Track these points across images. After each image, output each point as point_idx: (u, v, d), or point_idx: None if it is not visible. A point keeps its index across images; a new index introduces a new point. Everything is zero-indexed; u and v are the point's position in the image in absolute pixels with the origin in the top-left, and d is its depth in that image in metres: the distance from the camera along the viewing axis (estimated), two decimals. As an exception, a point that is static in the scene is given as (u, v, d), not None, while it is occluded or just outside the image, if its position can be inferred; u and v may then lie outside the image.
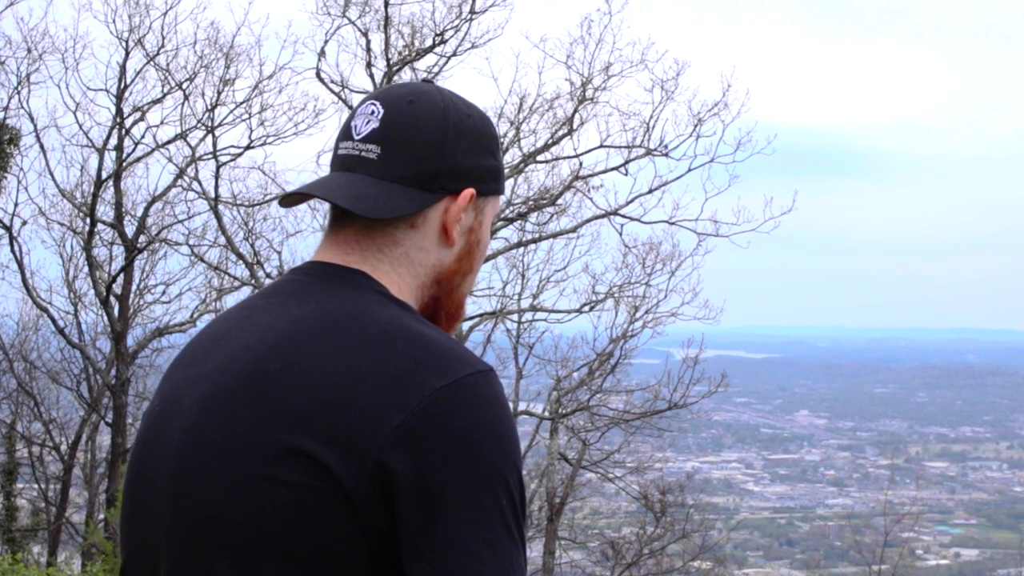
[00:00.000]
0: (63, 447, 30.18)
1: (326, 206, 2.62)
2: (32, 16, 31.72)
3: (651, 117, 23.55)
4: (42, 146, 25.71)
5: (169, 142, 25.80)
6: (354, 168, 2.40)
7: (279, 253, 24.48)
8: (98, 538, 23.61)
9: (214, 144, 24.51)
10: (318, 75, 23.29)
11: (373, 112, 2.41)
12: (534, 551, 28.09)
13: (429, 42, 23.40)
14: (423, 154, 2.38)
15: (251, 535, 2.15)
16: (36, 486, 31.71)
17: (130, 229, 26.42)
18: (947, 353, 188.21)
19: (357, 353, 2.20)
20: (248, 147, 24.81)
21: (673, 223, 24.13)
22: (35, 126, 25.30)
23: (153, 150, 26.08)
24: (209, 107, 24.91)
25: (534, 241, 25.56)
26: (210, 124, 24.83)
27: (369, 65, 23.30)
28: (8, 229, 25.86)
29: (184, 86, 25.13)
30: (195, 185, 25.11)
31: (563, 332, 28.20)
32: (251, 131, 24.67)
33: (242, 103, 24.99)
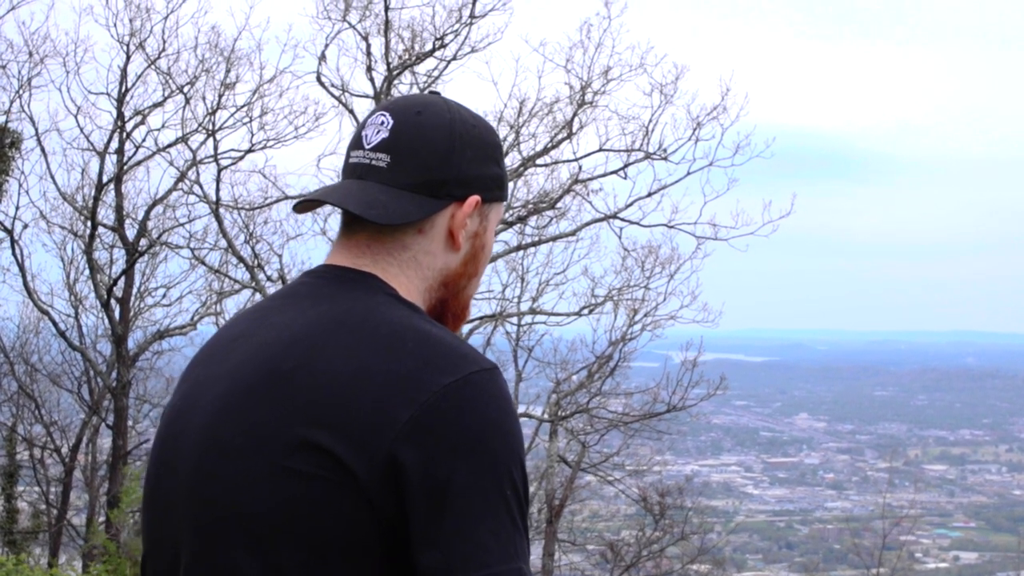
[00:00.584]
0: (64, 449, 30.24)
1: (326, 210, 2.73)
2: (33, 20, 31.79)
3: (650, 121, 23.61)
4: (43, 149, 25.75)
5: (170, 145, 25.84)
6: (365, 176, 2.52)
7: (280, 256, 24.51)
8: (101, 539, 23.70)
9: (215, 147, 24.57)
10: (319, 79, 23.36)
11: (383, 122, 2.53)
12: (533, 553, 28.17)
13: (429, 46, 23.46)
14: (431, 163, 2.50)
15: (269, 525, 2.26)
16: (37, 488, 31.78)
17: (131, 232, 26.48)
18: (946, 356, 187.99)
19: (368, 352, 2.31)
20: (249, 150, 24.85)
21: (672, 226, 24.22)
22: (36, 130, 25.34)
23: (154, 153, 26.12)
24: (210, 111, 24.96)
25: (534, 244, 25.61)
26: (211, 127, 24.88)
27: (369, 69, 23.36)
28: (9, 232, 25.87)
29: (185, 90, 25.18)
30: (196, 188, 25.15)
31: (562, 335, 28.28)
32: (252, 135, 24.73)
33: (243, 107, 25.05)
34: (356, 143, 2.57)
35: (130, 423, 28.16)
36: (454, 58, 23.64)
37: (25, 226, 26.60)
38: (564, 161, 24.48)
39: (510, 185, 23.83)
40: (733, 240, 24.11)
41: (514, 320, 27.88)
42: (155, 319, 30.29)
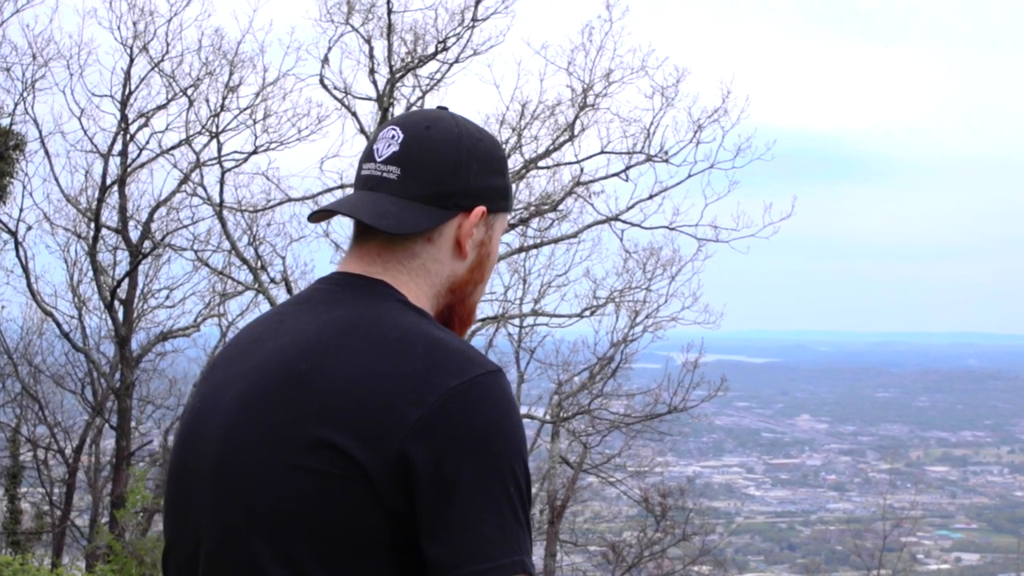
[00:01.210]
0: (67, 451, 30.29)
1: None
2: (37, 22, 31.83)
3: (651, 123, 23.66)
4: (47, 152, 25.75)
5: (173, 147, 25.87)
6: (376, 188, 2.67)
7: (283, 258, 24.58)
8: (107, 539, 23.77)
9: (219, 150, 24.63)
10: (321, 82, 23.43)
11: (393, 136, 2.68)
12: (535, 554, 28.23)
13: (432, 49, 23.53)
14: (439, 175, 2.65)
15: (286, 518, 2.40)
16: (41, 489, 31.82)
17: (134, 234, 26.55)
18: (948, 357, 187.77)
19: (380, 355, 2.45)
20: (253, 153, 24.92)
21: (673, 228, 24.28)
22: (40, 132, 25.38)
23: (157, 156, 26.15)
24: (213, 113, 25.03)
25: (536, 246, 25.68)
26: (214, 130, 24.95)
27: (372, 72, 23.44)
28: (13, 234, 25.91)
29: (188, 92, 25.24)
30: (199, 191, 25.21)
31: (564, 336, 28.32)
32: (256, 137, 24.79)
33: (246, 109, 25.10)
34: (368, 156, 2.72)
35: (133, 424, 28.22)
36: (456, 60, 23.74)
37: (29, 228, 26.62)
38: (566, 163, 24.56)
39: (512, 187, 24.15)
40: (734, 242, 24.19)
41: (516, 322, 27.93)
42: (158, 320, 30.38)
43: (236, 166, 24.75)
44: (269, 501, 2.42)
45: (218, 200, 23.85)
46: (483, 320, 25.80)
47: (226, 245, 25.09)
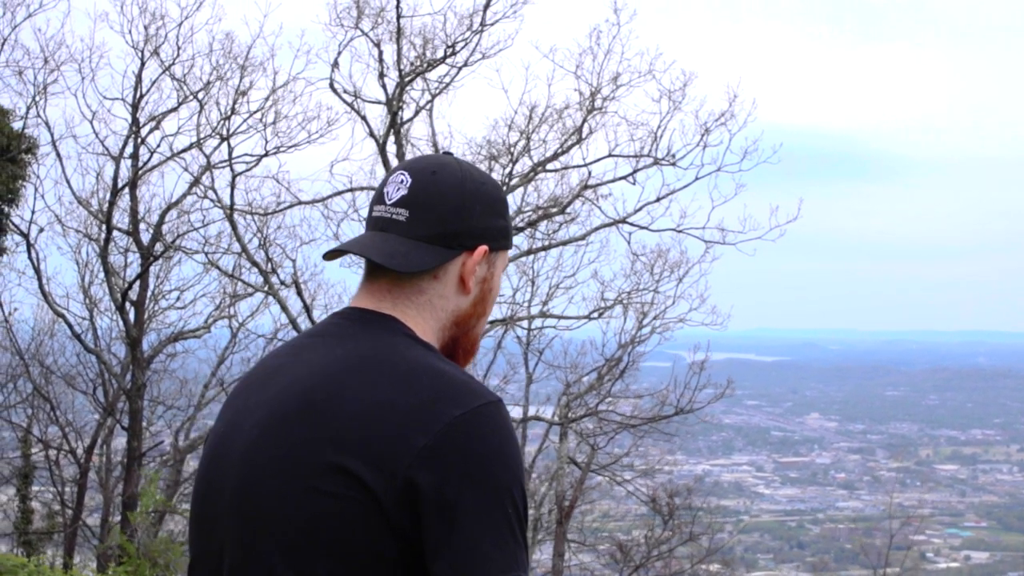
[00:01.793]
0: (79, 451, 30.43)
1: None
2: (49, 26, 31.91)
3: (659, 127, 23.77)
4: (59, 154, 25.80)
5: (184, 150, 25.93)
6: (386, 228, 2.88)
7: (293, 261, 24.70)
8: (120, 540, 23.91)
9: (229, 153, 24.70)
10: (331, 86, 23.55)
11: (402, 181, 2.89)
12: (544, 553, 28.39)
13: (440, 53, 23.67)
14: (445, 217, 2.86)
15: (302, 537, 2.61)
16: (52, 489, 31.99)
17: (145, 236, 26.66)
18: (958, 356, 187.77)
19: (389, 387, 2.65)
20: (264, 155, 25.03)
21: (680, 231, 24.37)
22: (52, 135, 25.46)
23: (168, 158, 26.18)
24: (224, 116, 25.15)
25: (544, 249, 25.78)
26: (225, 133, 25.07)
27: (382, 75, 23.59)
28: (25, 236, 25.96)
29: (199, 96, 25.36)
30: (210, 193, 25.33)
31: (572, 338, 28.44)
32: (266, 141, 24.91)
33: (256, 112, 25.20)
34: (379, 199, 2.93)
35: (144, 424, 28.35)
36: (465, 64, 23.88)
37: (41, 230, 26.72)
38: (574, 166, 24.67)
39: (520, 190, 24.08)
40: (741, 244, 24.27)
41: (525, 323, 28.06)
42: (169, 321, 30.56)
43: (247, 170, 24.85)
44: (287, 520, 2.62)
45: (229, 203, 23.96)
46: (492, 322, 25.93)
47: (236, 248, 25.26)
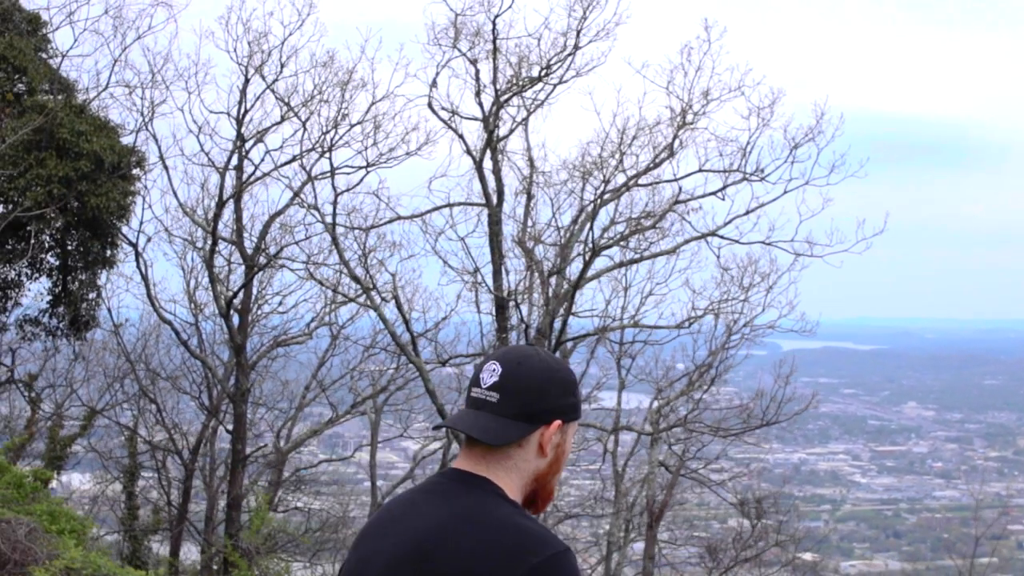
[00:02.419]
0: (185, 453, 31.14)
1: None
2: (157, 43, 32.73)
3: (748, 143, 24.13)
4: (165, 166, 26.69)
5: (286, 163, 26.70)
6: (481, 407, 3.73)
7: (393, 275, 25.16)
8: (226, 542, 24.85)
9: (331, 168, 25.25)
10: (430, 105, 24.12)
11: (494, 370, 3.73)
12: (636, 555, 28.90)
13: (536, 71, 24.18)
14: (527, 399, 3.71)
15: None
16: (159, 487, 32.78)
17: (249, 245, 27.36)
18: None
19: (483, 538, 3.50)
20: (364, 167, 25.44)
21: (769, 244, 24.52)
22: (159, 148, 26.33)
23: (271, 171, 27.02)
24: (325, 130, 25.75)
25: (634, 261, 26.09)
26: (325, 146, 25.62)
27: (478, 93, 24.13)
28: (134, 246, 26.74)
29: (300, 112, 26.06)
30: (312, 210, 25.91)
31: (663, 345, 28.68)
32: (366, 150, 25.50)
33: (355, 125, 25.78)
34: (475, 381, 3.77)
35: (248, 427, 29.06)
36: (560, 81, 24.39)
37: (148, 239, 27.56)
38: (665, 181, 25.07)
39: (613, 203, 24.49)
40: (828, 257, 24.45)
41: (616, 333, 28.40)
42: (272, 325, 31.31)
43: (349, 189, 25.48)
44: None
45: (331, 220, 24.55)
46: (585, 335, 26.46)
47: (335, 258, 25.83)
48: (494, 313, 24.84)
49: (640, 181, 24.93)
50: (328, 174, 25.41)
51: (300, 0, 25.83)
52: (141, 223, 26.86)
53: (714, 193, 24.37)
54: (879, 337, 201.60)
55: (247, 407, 28.49)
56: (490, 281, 24.73)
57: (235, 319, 27.73)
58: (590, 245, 24.56)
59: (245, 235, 27.45)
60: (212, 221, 26.84)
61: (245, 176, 26.89)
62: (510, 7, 23.59)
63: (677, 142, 24.34)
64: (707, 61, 24.09)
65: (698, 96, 24.16)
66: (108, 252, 24.99)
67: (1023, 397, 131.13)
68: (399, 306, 24.51)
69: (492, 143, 24.18)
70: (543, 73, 24.12)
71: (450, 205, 24.99)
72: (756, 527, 28.23)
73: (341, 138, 25.71)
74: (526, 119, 24.86)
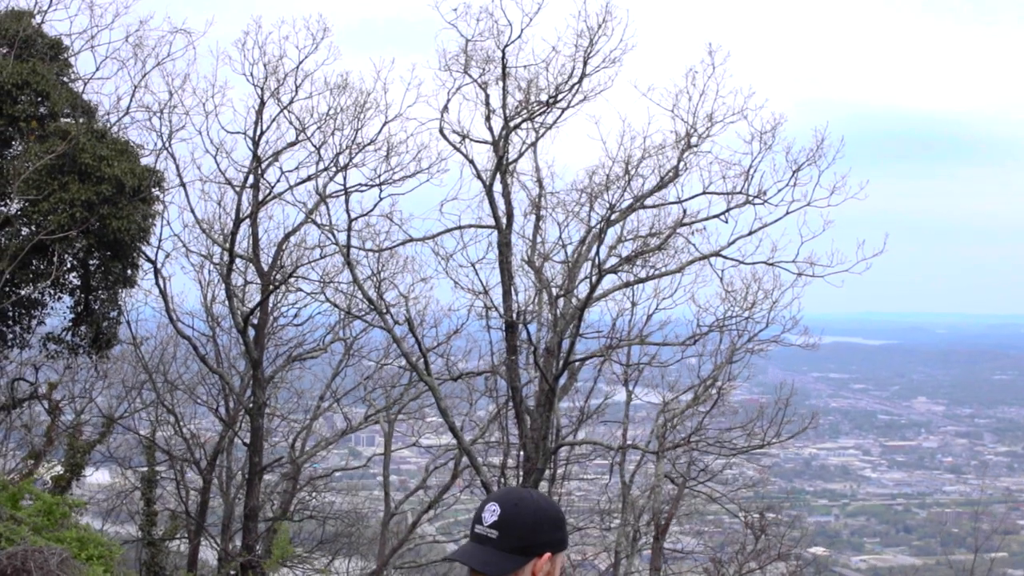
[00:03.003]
0: (202, 463, 31.69)
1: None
2: (175, 65, 33.12)
3: (750, 167, 24.56)
4: (183, 184, 27.15)
5: (301, 183, 27.35)
6: (483, 543, 4.43)
7: (406, 297, 25.56)
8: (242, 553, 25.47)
9: (345, 189, 25.83)
10: (441, 131, 24.70)
11: (494, 510, 4.49)
12: (642, 568, 29.40)
13: (544, 97, 24.75)
14: (523, 536, 4.45)
15: None
16: (177, 495, 33.34)
17: (265, 261, 27.96)
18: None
19: None
20: (377, 185, 25.87)
21: (772, 264, 25.00)
22: (177, 167, 26.72)
23: (286, 191, 27.65)
24: (338, 151, 26.30)
25: (639, 281, 26.46)
26: (338, 167, 26.20)
27: (488, 118, 24.68)
28: (153, 263, 27.12)
29: (313, 135, 26.65)
30: (326, 230, 26.44)
31: (668, 360, 29.05)
32: (380, 182, 26.00)
33: (367, 145, 26.27)
34: (478, 519, 4.45)
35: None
36: (568, 106, 24.93)
37: (167, 255, 28.13)
38: (670, 203, 25.57)
39: (619, 225, 24.96)
40: (829, 277, 24.84)
41: (623, 351, 28.76)
42: (287, 337, 31.91)
43: (363, 215, 25.92)
44: None
45: (345, 244, 25.09)
46: (592, 355, 26.88)
47: (347, 277, 26.41)
48: (504, 331, 25.33)
49: (646, 203, 25.43)
50: (342, 192, 25.98)
51: (315, 25, 26.46)
52: (160, 240, 27.21)
53: (718, 215, 24.79)
54: (889, 332, 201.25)
55: (263, 420, 28.99)
56: (499, 301, 25.24)
57: (251, 333, 28.28)
58: (596, 267, 25.05)
59: (261, 252, 28.06)
60: (229, 238, 27.45)
61: (261, 195, 27.44)
62: (519, 37, 24.13)
63: (682, 164, 24.83)
64: (711, 84, 24.50)
65: (702, 119, 24.62)
66: (129, 272, 25.46)
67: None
68: (412, 330, 24.99)
69: (502, 167, 24.73)
70: (551, 100, 24.69)
71: (460, 227, 25.56)
72: (759, 539, 28.59)
73: (353, 159, 26.24)
74: (535, 143, 25.47)
